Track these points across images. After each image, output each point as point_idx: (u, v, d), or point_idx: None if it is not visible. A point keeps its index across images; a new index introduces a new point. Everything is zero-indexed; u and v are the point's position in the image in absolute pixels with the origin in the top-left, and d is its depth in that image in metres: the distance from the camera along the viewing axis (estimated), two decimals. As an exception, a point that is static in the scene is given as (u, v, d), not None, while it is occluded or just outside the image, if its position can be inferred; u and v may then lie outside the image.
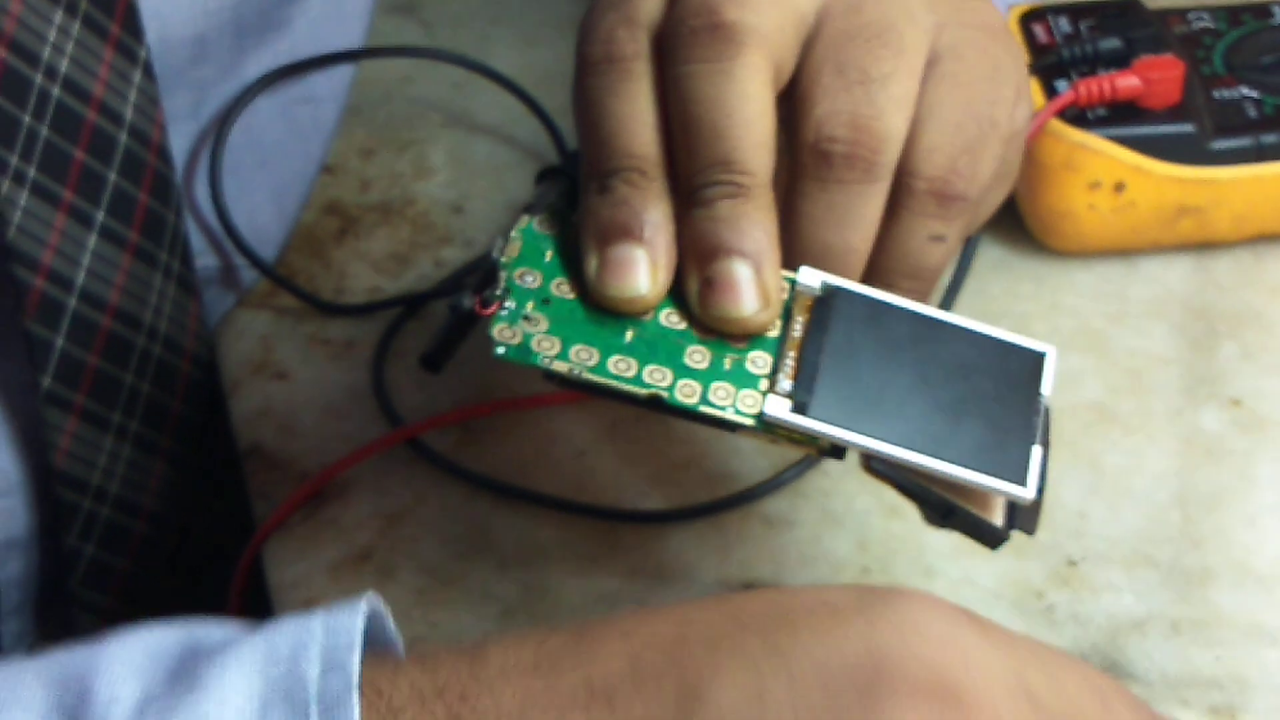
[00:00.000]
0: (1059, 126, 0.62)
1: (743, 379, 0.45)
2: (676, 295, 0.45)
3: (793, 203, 0.47)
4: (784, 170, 0.47)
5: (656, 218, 0.45)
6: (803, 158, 0.47)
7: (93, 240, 0.57)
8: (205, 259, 0.66)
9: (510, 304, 0.45)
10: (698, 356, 0.45)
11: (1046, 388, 0.46)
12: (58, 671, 0.38)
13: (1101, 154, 0.62)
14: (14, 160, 0.54)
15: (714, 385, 0.45)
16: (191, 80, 0.64)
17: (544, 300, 0.45)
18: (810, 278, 0.46)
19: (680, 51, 0.46)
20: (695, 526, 0.58)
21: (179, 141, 0.64)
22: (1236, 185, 0.63)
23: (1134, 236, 0.64)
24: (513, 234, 0.46)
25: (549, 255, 0.46)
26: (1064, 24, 0.66)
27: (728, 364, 0.45)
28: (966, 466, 0.44)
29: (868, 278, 0.48)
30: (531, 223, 0.47)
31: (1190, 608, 0.55)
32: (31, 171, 0.54)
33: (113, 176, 0.57)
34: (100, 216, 0.57)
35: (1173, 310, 0.63)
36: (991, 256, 0.65)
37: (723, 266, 0.45)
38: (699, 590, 0.56)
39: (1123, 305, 0.64)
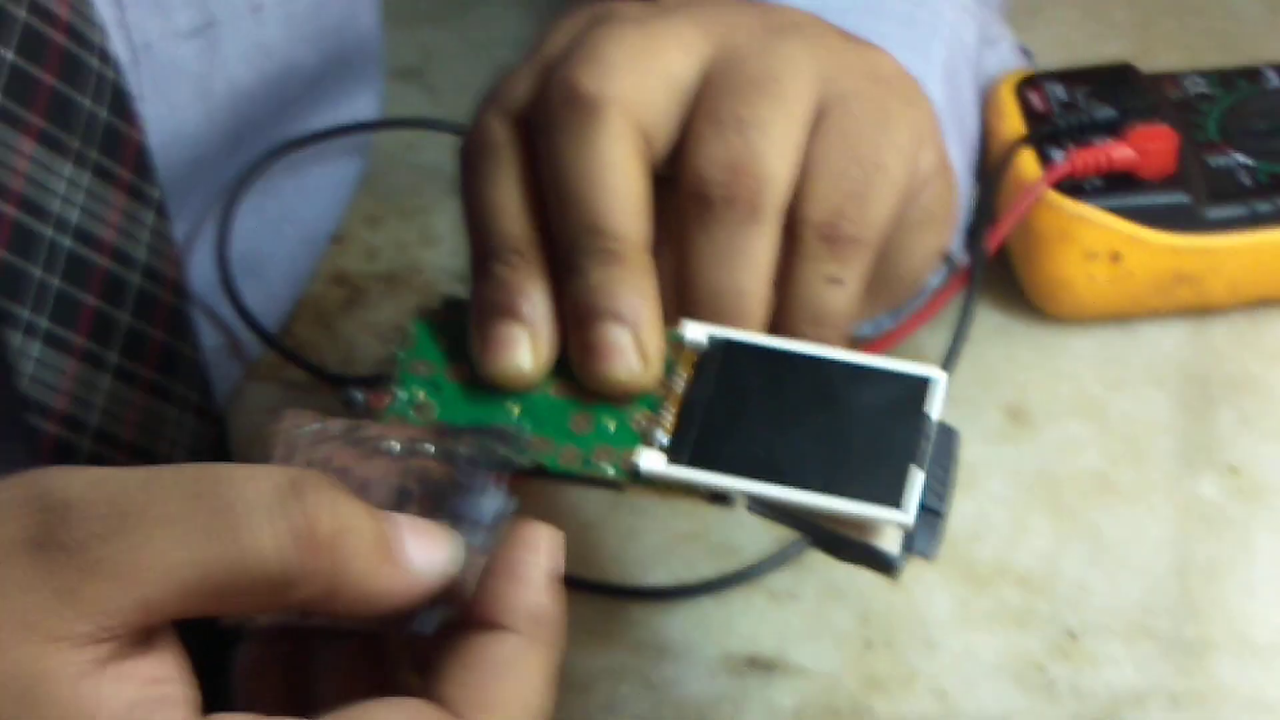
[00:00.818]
0: (1055, 197, 0.63)
1: (624, 438, 0.46)
2: (564, 365, 0.47)
3: (681, 252, 0.48)
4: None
5: (533, 294, 0.47)
6: (684, 206, 0.48)
7: (106, 381, 0.58)
8: (212, 338, 0.67)
9: (402, 394, 0.47)
10: (582, 422, 0.46)
11: (934, 411, 0.46)
12: None
13: (1097, 225, 0.63)
14: (25, 314, 0.55)
15: (597, 448, 0.46)
16: (193, 178, 0.65)
17: (435, 387, 0.47)
18: (695, 331, 0.47)
19: (544, 128, 0.48)
20: (700, 600, 0.59)
21: (180, 225, 0.65)
22: (1232, 253, 0.64)
23: (1131, 304, 0.65)
24: (409, 327, 0.48)
25: (442, 345, 0.48)
26: (1059, 92, 0.66)
27: (611, 426, 0.46)
28: (840, 496, 0.44)
29: (775, 329, 0.49)
30: (426, 317, 0.49)
31: (1190, 680, 0.55)
32: (43, 323, 0.55)
33: (126, 318, 0.58)
34: (113, 358, 0.58)
35: (1171, 377, 0.64)
36: (990, 323, 0.66)
37: (598, 331, 0.46)
38: (704, 665, 0.57)
39: (1121, 372, 0.64)
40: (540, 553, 0.43)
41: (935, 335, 0.61)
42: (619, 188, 0.47)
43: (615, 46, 0.49)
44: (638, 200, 0.48)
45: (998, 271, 0.66)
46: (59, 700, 0.37)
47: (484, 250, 0.48)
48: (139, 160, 0.58)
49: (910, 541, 0.45)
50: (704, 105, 0.49)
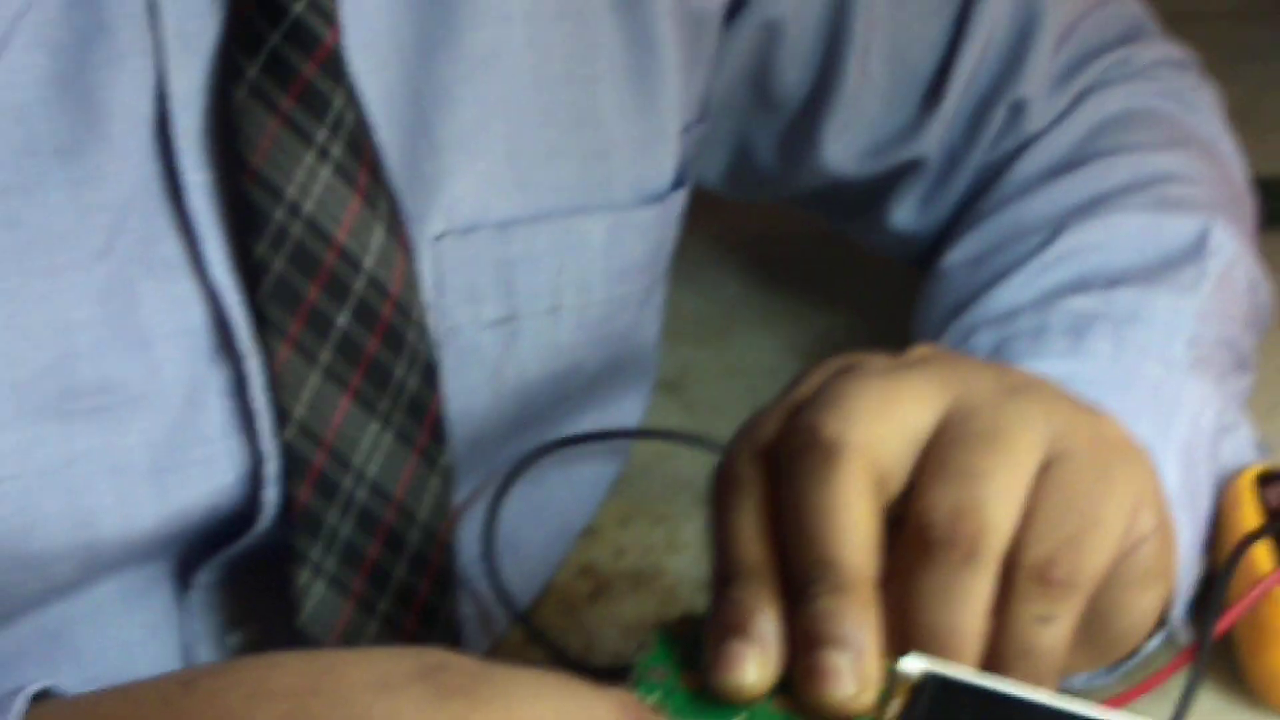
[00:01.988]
0: (1285, 593, 0.66)
1: None
2: (787, 682, 0.51)
3: (905, 588, 0.52)
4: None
5: (765, 615, 0.51)
6: (911, 545, 0.52)
7: (373, 626, 0.62)
8: (467, 608, 0.71)
9: (639, 694, 0.51)
10: None
11: None
12: None
13: (1327, 625, 0.65)
14: (315, 554, 0.60)
15: None
16: (472, 456, 0.69)
17: (668, 692, 0.51)
18: (911, 665, 0.51)
19: (786, 466, 0.53)
20: None
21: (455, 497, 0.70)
22: None
23: (1351, 705, 0.66)
24: (650, 636, 0.53)
25: (678, 655, 0.52)
26: (1297, 490, 0.69)
27: None
28: None
29: (989, 663, 0.52)
30: (667, 628, 0.53)
31: None
32: (330, 564, 0.60)
33: (400, 570, 0.63)
34: (384, 606, 0.63)
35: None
36: (1210, 705, 0.68)
37: (822, 655, 0.50)
38: None
39: (1336, 771, 0.66)
40: None
41: (1156, 708, 0.64)
42: (851, 526, 0.51)
43: (858, 396, 0.54)
44: (868, 538, 0.52)
45: (1222, 657, 0.68)
46: None
47: (725, 572, 0.53)
48: (436, 428, 0.63)
49: None
50: (935, 454, 0.53)
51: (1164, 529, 0.57)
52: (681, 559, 0.76)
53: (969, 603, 0.52)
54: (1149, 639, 0.63)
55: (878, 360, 0.56)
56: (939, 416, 0.54)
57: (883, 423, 0.53)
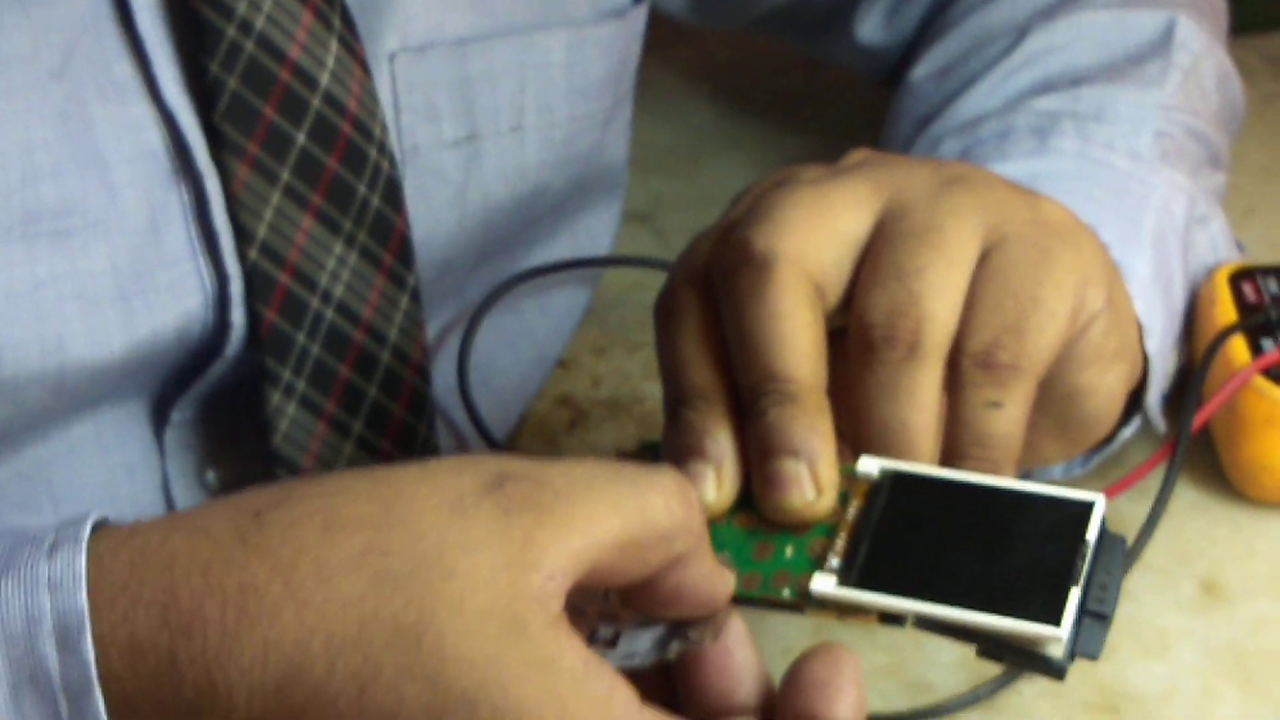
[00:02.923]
0: (1262, 384, 0.66)
1: (800, 564, 0.50)
2: (747, 500, 0.51)
3: (852, 391, 0.52)
4: None
5: (718, 435, 0.51)
6: (852, 349, 0.52)
7: (349, 448, 0.62)
8: (445, 442, 0.71)
9: None
10: (763, 550, 0.50)
11: (1091, 533, 0.49)
12: None
13: (1304, 413, 0.65)
14: (286, 375, 0.60)
15: (775, 573, 0.50)
16: (440, 283, 0.69)
17: None
18: (868, 465, 0.51)
19: (721, 287, 0.53)
20: (892, 733, 0.61)
21: (428, 329, 0.69)
22: None
23: (1331, 492, 0.67)
24: None
25: None
26: (1273, 286, 0.69)
27: (789, 552, 0.50)
28: (1002, 615, 0.47)
29: (945, 459, 0.52)
30: (623, 455, 0.53)
31: None
32: (300, 385, 0.60)
33: (373, 392, 0.63)
34: (358, 427, 0.62)
35: (1364, 567, 0.66)
36: (1189, 499, 0.68)
37: (777, 464, 0.50)
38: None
39: (1315, 558, 0.66)
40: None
41: (1135, 505, 0.64)
42: (791, 336, 0.51)
43: (789, 206, 0.53)
44: (809, 346, 0.52)
45: (1200, 451, 0.68)
46: (535, 639, 0.42)
47: (674, 397, 0.53)
48: (402, 248, 0.63)
49: (1073, 646, 0.47)
50: (872, 256, 0.53)
51: (1116, 307, 0.56)
52: (659, 385, 0.75)
53: (916, 397, 0.52)
54: (1123, 426, 0.63)
55: (810, 170, 0.56)
56: (874, 219, 0.54)
57: (815, 230, 0.53)
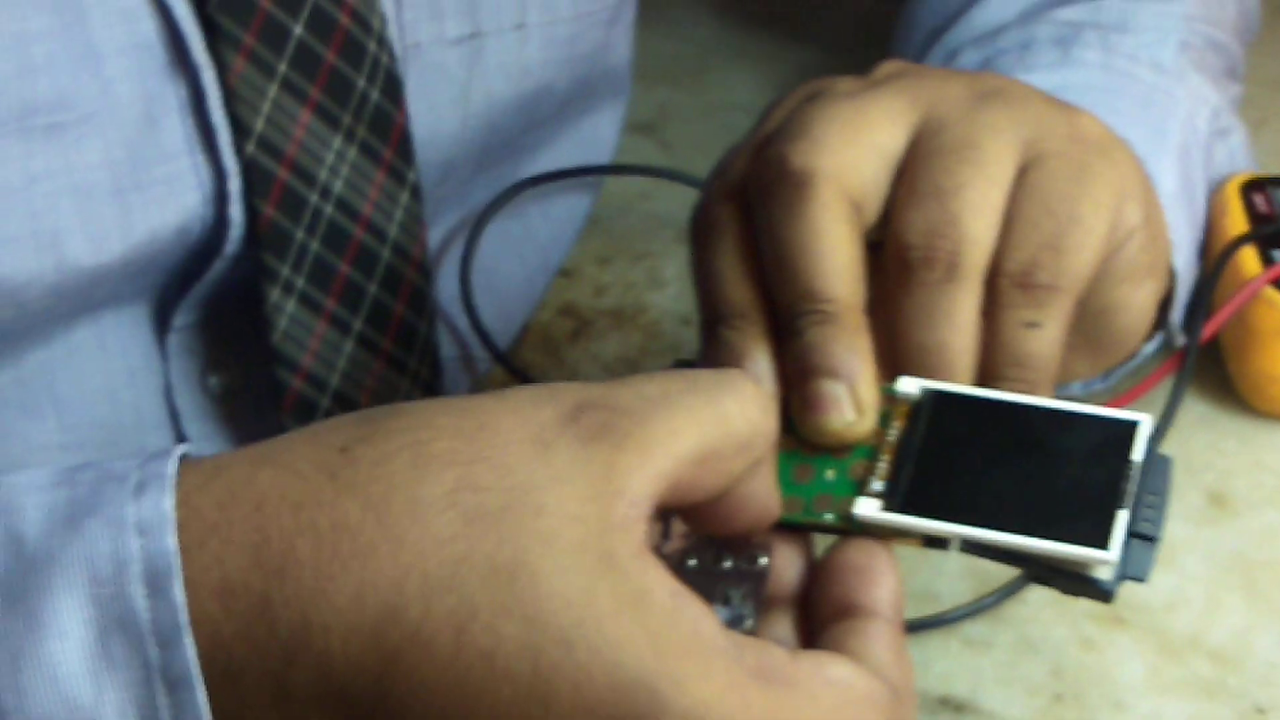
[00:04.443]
0: (1273, 295, 0.65)
1: (842, 487, 0.49)
2: (787, 421, 0.50)
3: (891, 312, 0.52)
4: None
5: (756, 355, 0.51)
6: (890, 270, 0.52)
7: (349, 346, 0.62)
8: (447, 349, 0.71)
9: None
10: (803, 473, 0.49)
11: (1137, 454, 0.48)
12: None
13: (1313, 324, 0.65)
14: (285, 271, 0.59)
15: (817, 496, 0.49)
16: (443, 185, 0.68)
17: None
18: (908, 385, 0.51)
19: (758, 202, 0.52)
20: (896, 640, 0.61)
21: (431, 234, 0.69)
22: None
23: (1339, 405, 0.66)
24: None
25: None
26: (1284, 196, 0.69)
27: (830, 475, 0.49)
28: (1049, 538, 0.47)
29: (984, 380, 0.52)
30: None
31: (1374, 766, 0.57)
32: (300, 282, 0.59)
33: (373, 289, 0.62)
34: (358, 325, 0.62)
35: (1372, 479, 0.65)
36: (1197, 410, 0.68)
37: (816, 386, 0.50)
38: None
39: (1323, 469, 0.66)
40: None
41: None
42: (830, 254, 0.51)
43: (825, 122, 0.53)
44: (849, 265, 0.51)
45: (1209, 362, 0.68)
46: (625, 572, 0.41)
47: (711, 316, 0.52)
48: (402, 144, 0.62)
49: (1123, 569, 0.47)
50: (908, 174, 0.52)
51: (1152, 223, 0.56)
52: (664, 295, 0.75)
53: (955, 318, 0.51)
54: (1147, 340, 0.63)
55: (844, 83, 0.55)
56: (910, 133, 0.53)
57: (852, 146, 0.52)
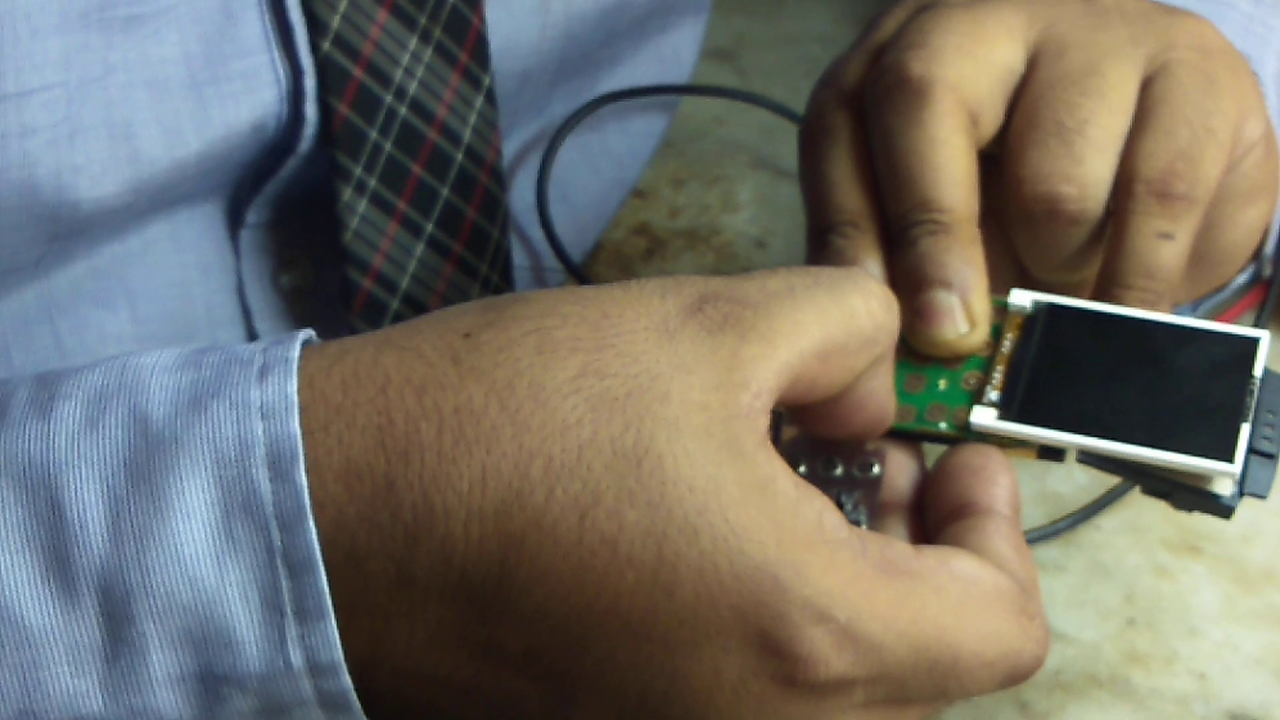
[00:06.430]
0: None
1: (955, 396, 0.49)
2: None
3: (1013, 246, 0.52)
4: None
5: (868, 263, 0.50)
6: (1012, 211, 0.51)
7: (420, 249, 0.61)
8: (520, 259, 0.70)
9: None
10: (915, 383, 0.49)
11: (1258, 369, 0.48)
12: (20, 469, 0.41)
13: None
14: (358, 171, 0.58)
15: (930, 406, 0.49)
16: (519, 95, 0.68)
17: None
18: (1020, 298, 0.50)
19: (875, 109, 0.52)
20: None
21: (507, 144, 0.68)
22: None
23: None
24: None
25: None
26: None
27: (943, 385, 0.49)
28: (1171, 450, 0.46)
29: (1105, 284, 0.51)
30: None
31: None
32: (372, 182, 0.59)
33: (445, 192, 0.61)
34: (429, 228, 0.61)
35: None
36: (1273, 349, 0.67)
37: (929, 297, 0.49)
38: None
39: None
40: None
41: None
42: (946, 164, 0.50)
43: (943, 32, 0.52)
44: (964, 176, 0.50)
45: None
46: (750, 460, 0.41)
47: (821, 223, 0.51)
48: (478, 47, 0.61)
49: (1242, 484, 0.46)
50: (1028, 102, 0.52)
51: (1269, 138, 0.55)
52: (738, 217, 0.74)
53: (1077, 258, 0.52)
54: (1243, 269, 0.62)
55: None
56: (1028, 51, 0.52)
57: (970, 59, 0.51)
